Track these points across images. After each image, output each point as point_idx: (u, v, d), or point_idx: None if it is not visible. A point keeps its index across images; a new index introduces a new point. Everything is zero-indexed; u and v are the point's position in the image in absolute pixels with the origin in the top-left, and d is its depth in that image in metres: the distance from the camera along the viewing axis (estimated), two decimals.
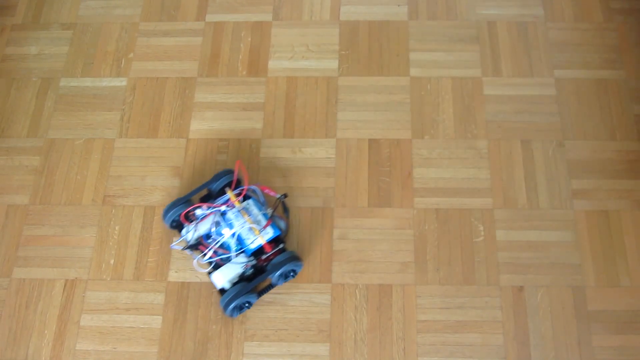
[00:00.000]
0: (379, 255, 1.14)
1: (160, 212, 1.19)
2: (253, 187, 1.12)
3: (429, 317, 1.09)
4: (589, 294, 1.10)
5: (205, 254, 1.06)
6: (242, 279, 1.07)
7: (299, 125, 1.26)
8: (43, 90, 1.33)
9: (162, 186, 1.22)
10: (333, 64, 1.32)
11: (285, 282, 1.10)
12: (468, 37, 1.33)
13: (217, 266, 1.07)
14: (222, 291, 1.07)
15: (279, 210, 1.13)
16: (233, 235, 1.07)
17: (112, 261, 1.16)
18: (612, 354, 1.05)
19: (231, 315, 1.06)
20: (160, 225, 1.18)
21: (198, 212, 1.10)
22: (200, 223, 1.09)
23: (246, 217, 1.08)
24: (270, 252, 1.07)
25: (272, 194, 1.11)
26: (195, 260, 1.08)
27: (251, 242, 1.06)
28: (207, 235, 1.10)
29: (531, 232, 1.15)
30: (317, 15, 1.38)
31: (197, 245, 1.09)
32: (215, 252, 1.06)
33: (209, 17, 1.39)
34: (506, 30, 1.34)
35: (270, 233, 1.07)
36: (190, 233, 1.08)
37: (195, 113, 1.28)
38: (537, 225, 1.15)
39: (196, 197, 1.16)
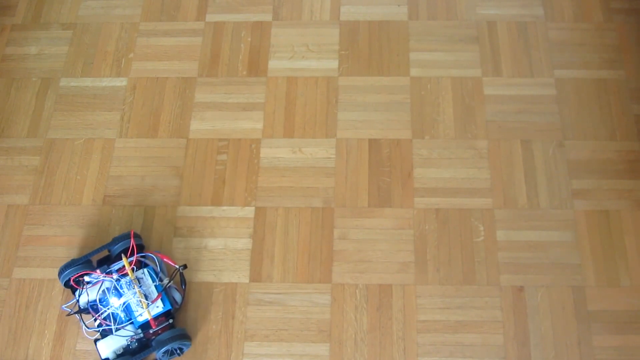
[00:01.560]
0: (379, 255, 1.14)
1: (160, 212, 1.19)
2: (152, 254, 1.08)
3: (429, 317, 1.09)
4: (589, 294, 1.10)
5: (94, 321, 1.02)
6: (126, 351, 1.03)
7: (299, 125, 1.26)
8: (43, 90, 1.33)
9: (162, 186, 1.22)
10: (333, 64, 1.32)
11: (170, 359, 1.05)
12: (468, 37, 1.33)
13: (104, 334, 1.03)
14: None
15: (176, 281, 1.09)
16: (122, 304, 1.03)
17: None
18: (612, 354, 1.05)
19: None
20: (160, 225, 1.18)
21: (87, 278, 1.04)
22: (91, 289, 1.04)
23: (136, 288, 1.03)
24: (156, 328, 1.02)
25: (171, 263, 1.07)
26: (83, 327, 1.05)
27: (139, 315, 1.02)
28: (100, 300, 1.04)
29: (531, 232, 1.15)
30: (317, 15, 1.38)
31: (89, 310, 1.04)
32: (104, 319, 1.02)
33: (209, 17, 1.39)
34: (506, 30, 1.34)
35: (160, 307, 1.03)
36: (83, 297, 1.04)
37: (195, 113, 1.28)
38: (537, 225, 1.15)
39: (98, 256, 1.12)
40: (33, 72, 1.35)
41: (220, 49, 1.35)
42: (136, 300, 1.03)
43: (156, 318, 1.03)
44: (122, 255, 1.06)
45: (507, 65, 1.30)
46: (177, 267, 1.07)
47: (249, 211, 1.19)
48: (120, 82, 1.33)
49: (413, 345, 1.07)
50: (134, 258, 1.06)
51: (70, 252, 1.16)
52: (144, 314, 1.02)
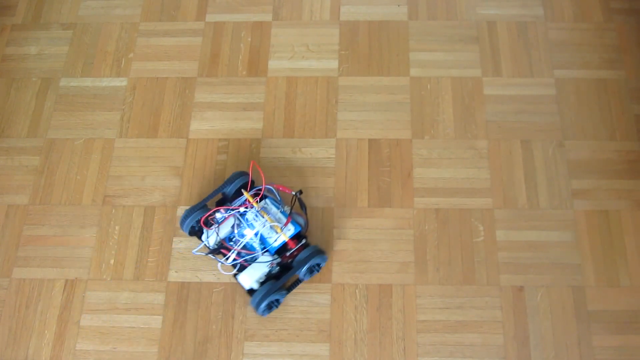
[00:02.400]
0: (379, 255, 1.14)
1: (160, 212, 1.19)
2: (268, 186, 1.12)
3: (429, 317, 1.09)
4: (589, 294, 1.10)
5: (228, 257, 1.06)
6: (269, 277, 1.08)
7: (299, 125, 1.26)
8: (43, 90, 1.33)
9: (162, 186, 1.22)
10: (333, 64, 1.32)
11: (311, 276, 1.11)
12: (468, 37, 1.33)
13: (242, 268, 1.07)
14: (251, 291, 1.07)
15: (296, 207, 1.13)
16: (255, 235, 1.07)
17: (112, 261, 1.16)
18: (612, 354, 1.05)
19: (262, 314, 1.07)
20: (160, 226, 1.18)
21: (217, 215, 1.09)
22: (221, 226, 1.09)
23: (266, 216, 1.08)
24: (294, 248, 1.07)
25: (287, 191, 1.11)
26: (219, 264, 1.09)
27: (274, 240, 1.06)
28: (229, 239, 1.09)
29: (531, 232, 1.15)
30: (317, 15, 1.38)
31: (219, 249, 1.09)
32: (238, 254, 1.06)
33: (209, 17, 1.39)
34: (506, 30, 1.34)
35: (291, 230, 1.07)
36: (212, 237, 1.08)
37: (195, 113, 1.28)
38: (537, 225, 1.15)
39: (211, 202, 1.16)
40: (33, 72, 1.35)
41: (220, 49, 1.35)
42: (268, 227, 1.07)
43: (291, 240, 1.07)
44: (242, 190, 1.11)
45: (507, 65, 1.30)
46: (294, 193, 1.10)
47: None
48: (120, 82, 1.33)
49: (413, 345, 1.07)
50: (261, 188, 1.11)
51: (70, 252, 1.17)
52: (279, 238, 1.07)
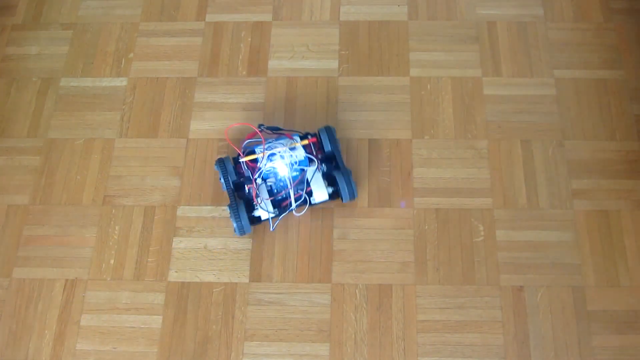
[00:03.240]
0: (379, 255, 1.14)
1: (160, 212, 1.19)
2: (244, 147, 1.16)
3: (429, 317, 1.09)
4: (589, 294, 1.10)
5: (291, 202, 1.10)
6: (325, 177, 1.13)
7: (299, 125, 1.26)
8: (43, 90, 1.33)
9: (162, 186, 1.22)
10: (333, 64, 1.32)
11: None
12: (468, 37, 1.33)
13: (308, 194, 1.11)
14: (332, 195, 1.13)
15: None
16: (286, 165, 1.11)
17: (112, 261, 1.16)
18: (612, 354, 1.05)
19: (357, 195, 1.14)
20: (160, 226, 1.18)
21: (252, 188, 1.11)
22: (260, 191, 1.12)
23: (276, 149, 1.11)
24: (314, 140, 1.14)
25: (251, 137, 1.16)
26: (295, 213, 1.14)
27: (300, 154, 1.12)
28: (274, 192, 1.11)
29: (531, 232, 1.15)
30: (317, 15, 1.38)
31: (281, 205, 1.11)
32: (295, 191, 1.11)
33: (209, 17, 1.39)
34: (506, 30, 1.34)
35: (296, 138, 1.14)
36: (268, 205, 1.10)
37: (195, 113, 1.28)
38: (537, 225, 1.15)
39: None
40: (33, 72, 1.35)
41: (220, 49, 1.35)
42: (287, 151, 1.11)
43: (308, 139, 1.14)
44: (241, 160, 1.12)
45: (507, 65, 1.30)
46: (258, 128, 1.14)
47: None
48: (120, 82, 1.33)
49: (413, 345, 1.07)
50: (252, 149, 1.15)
51: (70, 252, 1.17)
52: (300, 150, 1.13)
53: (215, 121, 1.27)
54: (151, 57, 1.35)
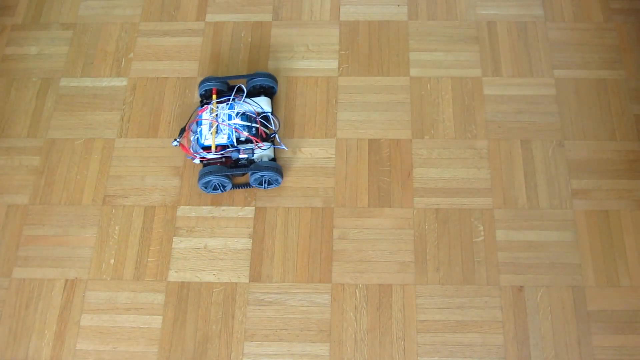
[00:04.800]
0: (379, 255, 1.14)
1: (160, 212, 1.19)
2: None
3: (429, 317, 1.09)
4: (589, 294, 1.10)
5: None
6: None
7: (299, 125, 1.26)
8: (43, 90, 1.33)
9: (162, 186, 1.22)
10: (333, 64, 1.32)
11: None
12: (468, 37, 1.33)
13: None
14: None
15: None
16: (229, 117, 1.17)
17: (112, 261, 1.16)
18: (612, 354, 1.05)
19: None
20: (160, 226, 1.18)
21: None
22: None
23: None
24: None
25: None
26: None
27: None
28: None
29: (531, 232, 1.15)
30: (317, 15, 1.38)
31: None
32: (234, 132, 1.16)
33: (209, 17, 1.39)
34: (506, 30, 1.34)
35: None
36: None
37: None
38: (537, 225, 1.15)
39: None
40: (33, 72, 1.35)
41: (220, 49, 1.35)
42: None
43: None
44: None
45: (507, 65, 1.30)
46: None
47: (249, 211, 1.19)
48: (120, 82, 1.33)
49: (413, 345, 1.07)
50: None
51: (70, 252, 1.17)
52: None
53: None
54: (151, 57, 1.35)
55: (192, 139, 1.19)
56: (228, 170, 1.14)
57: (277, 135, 1.19)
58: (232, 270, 1.14)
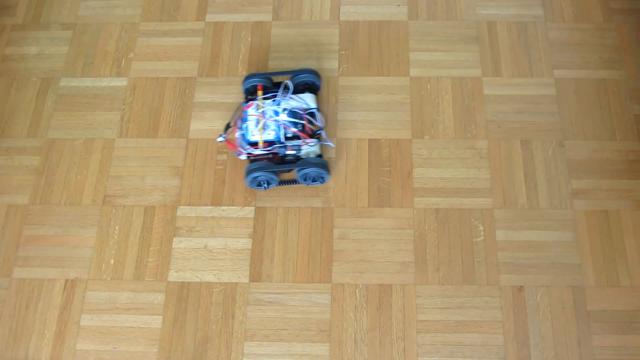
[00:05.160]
0: (379, 255, 1.14)
1: (160, 212, 1.19)
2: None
3: (429, 317, 1.09)
4: (589, 294, 1.10)
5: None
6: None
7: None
8: (43, 90, 1.33)
9: (162, 186, 1.22)
10: (333, 64, 1.32)
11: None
12: (468, 37, 1.33)
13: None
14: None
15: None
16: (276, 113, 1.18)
17: (112, 261, 1.16)
18: (612, 354, 1.05)
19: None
20: (160, 226, 1.18)
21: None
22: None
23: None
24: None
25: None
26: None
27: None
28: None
29: (531, 232, 1.15)
30: (317, 15, 1.38)
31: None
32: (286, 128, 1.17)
33: (209, 17, 1.39)
34: (506, 30, 1.34)
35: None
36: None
37: (195, 113, 1.28)
38: (537, 225, 1.15)
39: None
40: (33, 72, 1.35)
41: (220, 49, 1.35)
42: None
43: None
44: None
45: (507, 65, 1.30)
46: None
47: (249, 211, 1.19)
48: (120, 82, 1.33)
49: (413, 345, 1.07)
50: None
51: (70, 252, 1.17)
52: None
53: (215, 121, 1.27)
54: (151, 57, 1.35)
55: (237, 135, 1.18)
56: (275, 167, 1.15)
57: (323, 132, 1.19)
58: (232, 270, 1.14)
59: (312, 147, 1.17)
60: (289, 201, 1.19)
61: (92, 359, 1.09)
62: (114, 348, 1.09)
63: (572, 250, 1.13)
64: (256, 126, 1.16)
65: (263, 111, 1.17)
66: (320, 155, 1.19)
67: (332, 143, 1.22)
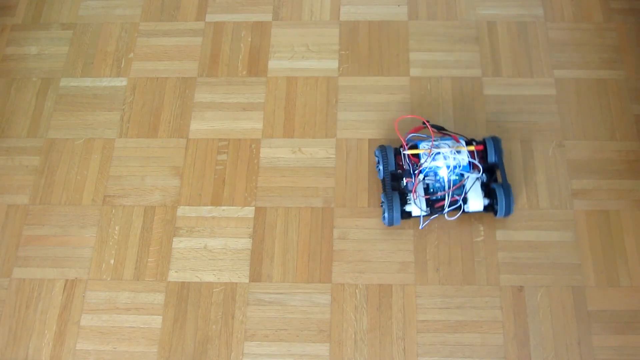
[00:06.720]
0: (379, 255, 1.14)
1: (160, 212, 1.19)
2: (407, 140, 1.14)
3: (429, 317, 1.09)
4: (589, 294, 1.10)
5: (444, 206, 1.09)
6: (486, 187, 1.12)
7: (299, 125, 1.26)
8: (43, 90, 1.33)
9: (162, 186, 1.22)
10: (333, 64, 1.32)
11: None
12: (468, 37, 1.33)
13: (463, 200, 1.10)
14: (487, 207, 1.11)
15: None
16: (447, 167, 1.10)
17: (112, 261, 1.16)
18: (612, 354, 1.05)
19: (513, 211, 1.10)
20: (160, 226, 1.18)
21: (407, 182, 1.11)
22: (417, 191, 1.10)
23: (442, 149, 1.10)
24: (481, 149, 1.12)
25: (420, 128, 1.14)
26: (446, 216, 1.12)
27: (464, 159, 1.09)
28: (430, 191, 1.11)
29: (531, 232, 1.15)
30: (317, 15, 1.38)
31: (434, 207, 1.10)
32: (451, 195, 1.09)
33: (209, 17, 1.39)
34: (506, 30, 1.34)
35: (462, 142, 1.12)
36: (422, 203, 1.09)
37: (195, 113, 1.28)
38: (537, 225, 1.15)
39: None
40: (33, 72, 1.35)
41: (220, 49, 1.35)
42: (451, 153, 1.10)
43: (475, 146, 1.13)
44: (404, 152, 1.12)
45: (507, 65, 1.30)
46: (424, 123, 1.12)
47: (249, 211, 1.19)
48: (120, 82, 1.33)
49: (413, 345, 1.07)
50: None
51: (70, 252, 1.17)
52: (464, 155, 1.10)
53: (215, 121, 1.27)
54: (151, 57, 1.35)
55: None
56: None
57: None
58: (232, 270, 1.14)
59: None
60: (289, 201, 1.19)
61: (92, 359, 1.09)
62: (114, 348, 1.09)
63: (572, 250, 1.13)
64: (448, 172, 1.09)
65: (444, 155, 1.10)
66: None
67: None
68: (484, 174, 1.12)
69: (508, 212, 1.09)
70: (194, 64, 1.34)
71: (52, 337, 1.11)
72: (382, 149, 1.14)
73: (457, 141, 1.11)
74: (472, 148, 1.11)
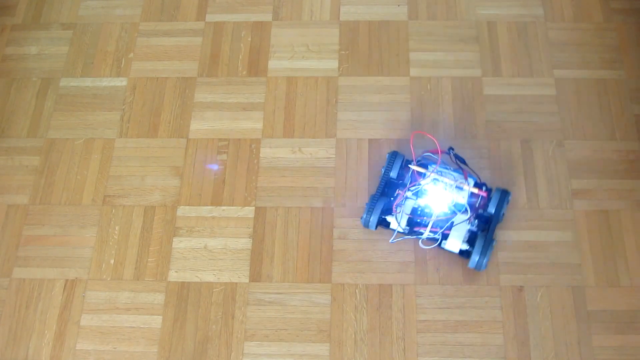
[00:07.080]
0: (378, 255, 1.14)
1: (160, 212, 1.19)
2: (422, 156, 1.13)
3: (429, 317, 1.09)
4: (589, 294, 1.10)
5: (422, 234, 1.08)
6: (475, 233, 1.08)
7: (299, 125, 1.26)
8: (43, 90, 1.33)
9: (162, 186, 1.22)
10: (333, 64, 1.32)
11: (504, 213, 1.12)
12: (468, 37, 1.33)
13: (444, 235, 1.08)
14: (463, 253, 1.09)
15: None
16: (442, 198, 1.08)
17: (112, 261, 1.16)
18: (612, 354, 1.05)
19: (485, 267, 1.07)
20: (160, 226, 1.18)
21: (409, 193, 1.09)
22: (404, 205, 1.09)
23: (444, 178, 1.08)
24: (483, 195, 1.08)
25: (436, 153, 1.10)
26: (420, 242, 1.11)
27: (462, 197, 1.07)
28: (416, 213, 1.09)
29: (531, 232, 1.15)
30: (317, 15, 1.38)
31: (412, 229, 1.09)
32: (434, 225, 1.08)
33: (209, 17, 1.39)
34: (506, 30, 1.34)
35: (471, 181, 1.09)
36: (402, 220, 1.08)
37: (195, 113, 1.29)
38: (537, 225, 1.15)
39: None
40: (33, 72, 1.35)
41: (220, 49, 1.35)
42: (453, 187, 1.07)
43: (476, 188, 1.08)
44: (410, 166, 1.11)
45: (507, 65, 1.30)
46: (447, 151, 1.11)
47: (249, 211, 1.19)
48: (120, 82, 1.33)
49: (413, 345, 1.07)
50: (426, 162, 1.12)
51: (70, 252, 1.16)
52: (465, 194, 1.07)
53: (215, 121, 1.27)
54: (151, 57, 1.35)
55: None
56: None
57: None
58: (232, 270, 1.14)
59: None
60: (289, 201, 1.19)
61: (92, 359, 1.09)
62: (114, 348, 1.09)
63: (572, 250, 1.13)
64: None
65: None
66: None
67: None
68: (475, 220, 1.09)
69: (479, 267, 1.06)
70: (194, 64, 1.34)
71: (52, 337, 1.11)
72: (393, 155, 1.14)
73: (466, 178, 1.10)
74: (476, 190, 1.08)
